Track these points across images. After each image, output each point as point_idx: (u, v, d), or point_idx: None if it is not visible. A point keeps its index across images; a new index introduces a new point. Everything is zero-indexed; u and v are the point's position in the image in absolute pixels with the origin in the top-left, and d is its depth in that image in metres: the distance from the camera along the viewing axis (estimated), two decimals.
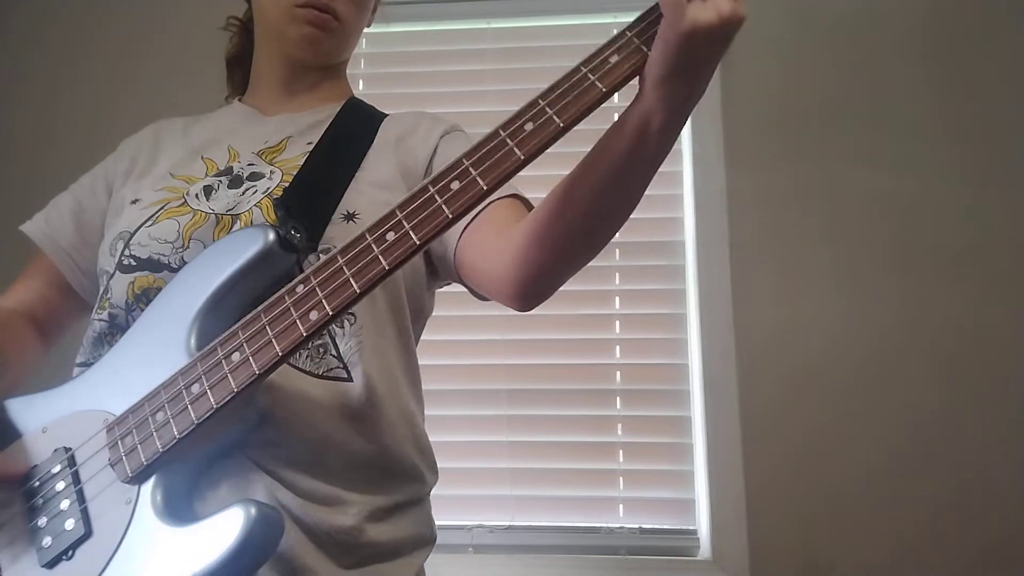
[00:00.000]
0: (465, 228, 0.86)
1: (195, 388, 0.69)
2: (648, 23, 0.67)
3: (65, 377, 0.83)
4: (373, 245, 0.68)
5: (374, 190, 0.88)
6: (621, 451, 1.64)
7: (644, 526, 1.60)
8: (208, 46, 1.64)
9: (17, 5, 1.92)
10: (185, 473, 0.72)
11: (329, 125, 0.94)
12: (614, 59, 0.67)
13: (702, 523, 1.58)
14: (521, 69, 1.83)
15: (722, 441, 1.58)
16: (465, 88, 1.83)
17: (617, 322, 1.71)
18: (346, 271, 0.68)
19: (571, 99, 0.66)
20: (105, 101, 1.83)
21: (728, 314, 1.64)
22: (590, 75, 0.67)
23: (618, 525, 1.60)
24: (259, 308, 0.71)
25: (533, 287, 0.79)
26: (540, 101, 0.67)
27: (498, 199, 0.86)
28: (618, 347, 1.70)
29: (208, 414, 0.68)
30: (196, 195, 0.87)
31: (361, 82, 1.87)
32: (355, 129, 0.95)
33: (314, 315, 0.67)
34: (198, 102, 1.12)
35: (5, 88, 1.88)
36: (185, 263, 0.81)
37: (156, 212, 0.86)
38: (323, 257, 0.71)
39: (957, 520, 1.52)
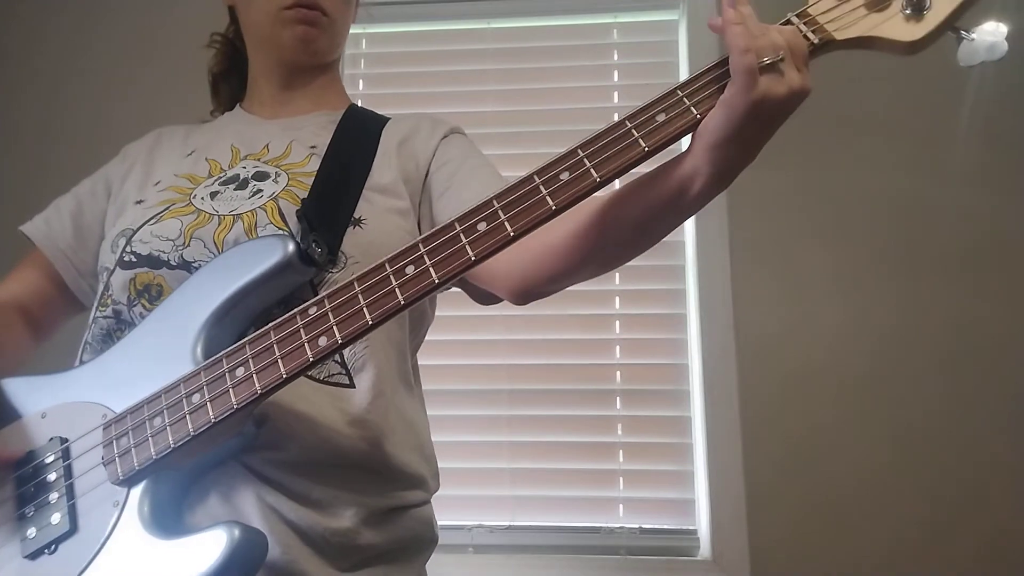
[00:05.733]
0: None
1: (195, 398, 0.69)
2: (700, 85, 0.64)
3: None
4: (392, 277, 0.66)
5: (381, 197, 0.89)
6: (621, 451, 1.64)
7: (644, 526, 1.60)
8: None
9: (18, 6, 1.92)
10: (176, 481, 0.72)
11: (335, 134, 0.94)
12: (661, 118, 0.64)
13: (702, 523, 1.58)
14: (521, 69, 1.83)
15: (722, 441, 1.58)
16: (465, 88, 1.83)
17: (617, 322, 1.71)
18: (361, 300, 0.66)
19: (611, 154, 0.64)
20: (106, 102, 1.83)
21: (728, 314, 1.64)
22: (634, 131, 0.64)
23: (618, 525, 1.60)
24: (269, 325, 0.69)
25: (539, 290, 0.81)
26: (580, 152, 0.64)
27: None
28: (618, 347, 1.70)
29: (205, 427, 0.67)
30: (202, 197, 0.87)
31: (361, 82, 1.87)
32: (360, 137, 0.95)
33: (323, 341, 0.66)
34: (200, 104, 1.12)
35: (7, 89, 1.88)
36: (185, 260, 0.80)
37: (161, 212, 0.86)
38: (334, 275, 0.70)
39: (957, 519, 1.52)
